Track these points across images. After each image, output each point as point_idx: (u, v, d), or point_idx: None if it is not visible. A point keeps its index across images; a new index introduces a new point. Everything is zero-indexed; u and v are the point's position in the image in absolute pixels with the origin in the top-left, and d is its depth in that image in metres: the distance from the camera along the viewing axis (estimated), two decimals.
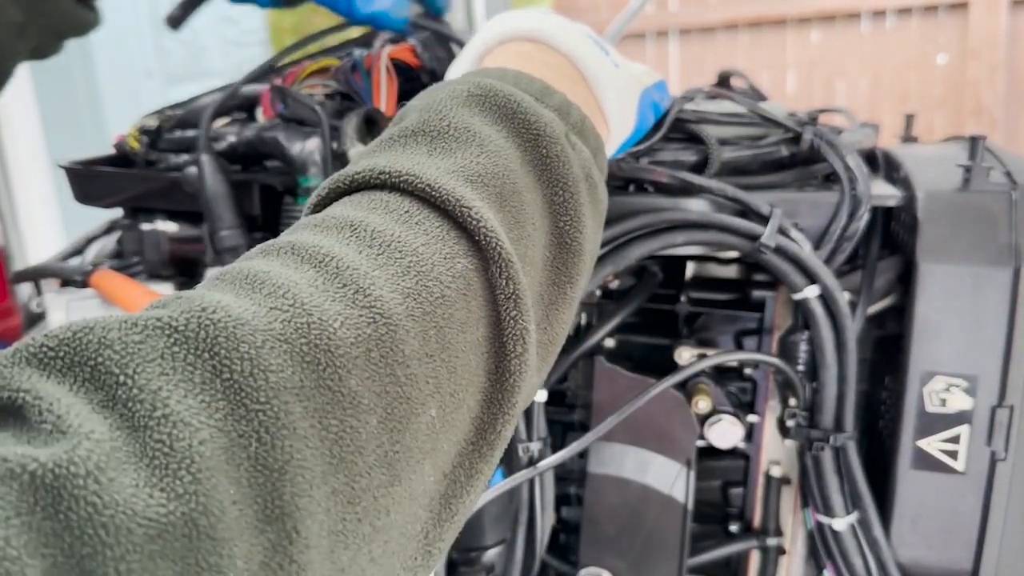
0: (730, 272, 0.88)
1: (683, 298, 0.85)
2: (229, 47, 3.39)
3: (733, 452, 0.86)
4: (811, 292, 0.71)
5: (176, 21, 0.85)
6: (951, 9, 4.46)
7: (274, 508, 0.30)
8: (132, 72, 3.03)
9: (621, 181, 0.74)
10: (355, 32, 0.90)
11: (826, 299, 0.71)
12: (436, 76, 0.85)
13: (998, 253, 0.72)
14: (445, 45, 0.85)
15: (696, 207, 0.72)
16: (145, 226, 0.81)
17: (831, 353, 0.72)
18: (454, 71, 0.61)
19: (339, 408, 0.33)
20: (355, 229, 0.40)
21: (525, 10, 0.61)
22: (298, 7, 0.81)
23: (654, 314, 0.87)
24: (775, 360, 0.75)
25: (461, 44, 0.85)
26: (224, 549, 0.28)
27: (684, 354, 0.82)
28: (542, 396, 0.73)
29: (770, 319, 0.83)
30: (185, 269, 0.84)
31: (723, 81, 1.01)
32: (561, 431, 0.90)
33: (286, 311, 0.34)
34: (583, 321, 0.88)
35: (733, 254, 0.74)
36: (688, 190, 0.72)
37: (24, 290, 0.87)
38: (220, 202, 0.72)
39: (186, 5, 0.84)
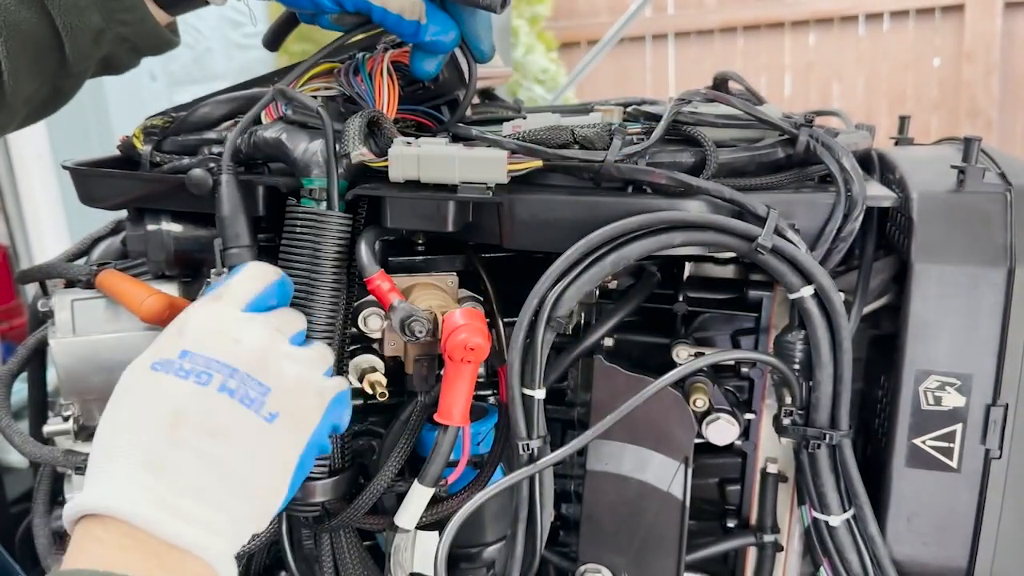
0: (727, 272, 0.89)
1: (681, 298, 0.86)
2: (233, 50, 3.38)
3: (730, 449, 0.87)
4: (807, 292, 0.72)
5: (273, 45, 0.89)
6: (947, 12, 4.48)
7: None
8: (136, 74, 3.01)
9: (620, 183, 0.74)
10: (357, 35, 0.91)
11: (822, 299, 0.72)
12: (436, 79, 0.86)
13: (993, 253, 0.73)
14: None
15: (694, 208, 0.73)
16: (150, 227, 0.82)
17: (827, 352, 0.73)
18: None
19: None
20: None
21: (106, 476, 0.55)
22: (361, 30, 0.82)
23: (652, 313, 0.88)
24: (772, 359, 0.76)
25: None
26: None
27: (682, 353, 0.83)
28: (541, 394, 0.74)
29: (767, 318, 0.84)
30: (190, 269, 0.85)
31: (719, 84, 1.02)
32: (560, 429, 0.91)
33: None
34: (582, 320, 0.89)
35: (730, 254, 0.75)
36: (686, 191, 0.73)
37: (31, 291, 0.88)
38: (237, 220, 0.72)
39: (279, 29, 0.88)
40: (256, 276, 0.66)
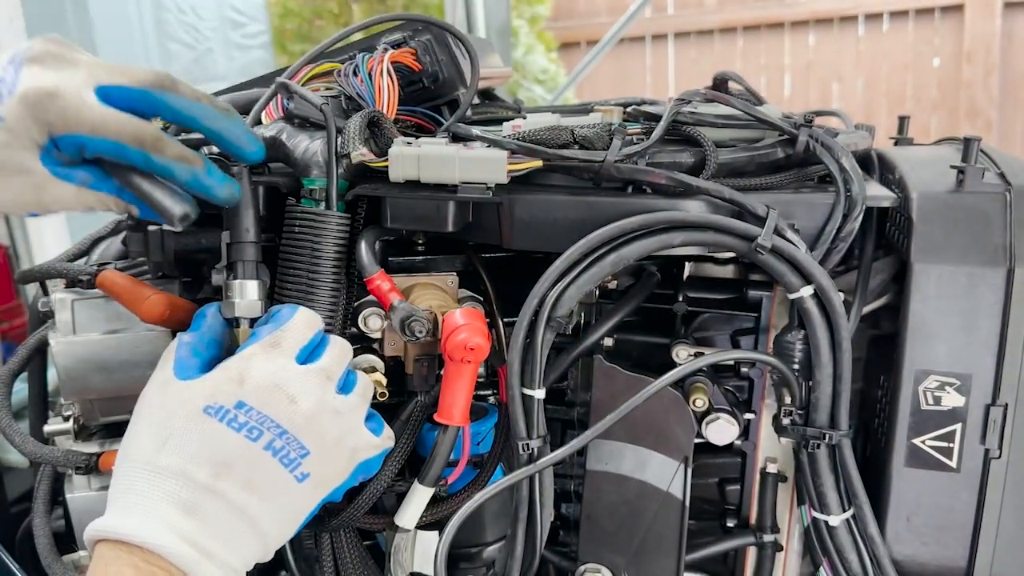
0: (727, 272, 0.89)
1: (681, 298, 0.86)
2: (233, 51, 3.38)
3: (730, 449, 0.87)
4: (807, 292, 0.72)
5: None
6: (946, 12, 4.48)
7: None
8: None
9: (619, 183, 0.75)
10: (356, 36, 0.91)
11: (821, 299, 0.72)
12: (436, 79, 0.86)
13: (992, 253, 0.73)
14: (446, 48, 0.86)
15: (693, 208, 0.73)
16: (150, 227, 0.82)
17: (826, 352, 0.73)
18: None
19: None
20: None
21: (127, 504, 0.60)
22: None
23: (652, 313, 0.88)
24: (771, 359, 0.76)
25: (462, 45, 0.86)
26: None
27: (682, 353, 0.83)
28: (541, 394, 0.74)
29: (766, 318, 0.84)
30: (190, 269, 0.85)
31: (719, 84, 1.02)
32: (560, 429, 0.91)
33: None
34: (582, 320, 0.89)
35: (730, 254, 0.75)
36: (685, 191, 0.73)
37: (31, 291, 0.88)
38: (247, 215, 0.72)
39: None
40: (309, 324, 0.68)
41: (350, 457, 0.67)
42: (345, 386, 0.69)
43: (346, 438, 0.66)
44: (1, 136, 0.61)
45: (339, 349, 0.69)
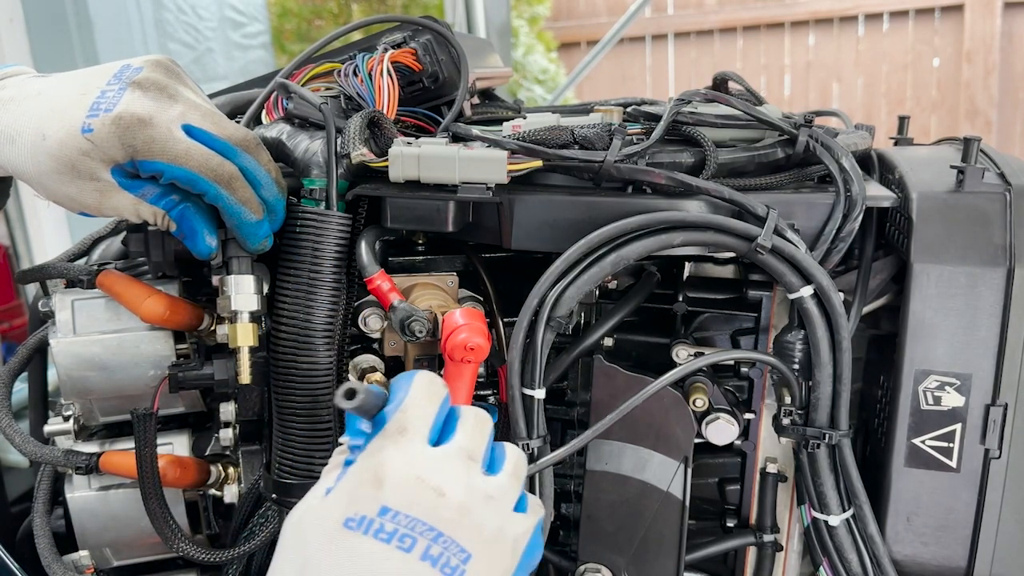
0: (727, 272, 0.89)
1: (681, 298, 0.86)
2: (233, 51, 3.39)
3: (730, 449, 0.87)
4: (807, 292, 0.72)
5: None
6: (946, 12, 4.49)
7: None
8: None
9: (619, 183, 0.75)
10: (356, 36, 0.91)
11: (821, 299, 0.72)
12: (437, 79, 0.86)
13: (992, 253, 0.73)
14: (446, 49, 0.86)
15: (693, 208, 0.73)
16: (150, 227, 0.82)
17: (826, 352, 0.74)
18: None
19: None
20: None
21: None
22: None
23: (652, 313, 0.88)
24: (771, 359, 0.76)
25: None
26: None
27: (682, 353, 0.83)
28: (541, 394, 0.74)
29: (766, 318, 0.84)
30: (190, 269, 0.85)
31: (719, 84, 1.02)
32: (560, 429, 0.91)
33: None
34: (582, 320, 0.89)
35: (730, 254, 0.75)
36: (686, 191, 0.73)
37: (31, 291, 0.88)
38: None
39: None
40: (430, 395, 0.58)
41: (513, 549, 0.55)
42: (491, 464, 0.59)
43: (506, 527, 0.55)
44: (86, 145, 0.66)
45: (474, 420, 0.59)
